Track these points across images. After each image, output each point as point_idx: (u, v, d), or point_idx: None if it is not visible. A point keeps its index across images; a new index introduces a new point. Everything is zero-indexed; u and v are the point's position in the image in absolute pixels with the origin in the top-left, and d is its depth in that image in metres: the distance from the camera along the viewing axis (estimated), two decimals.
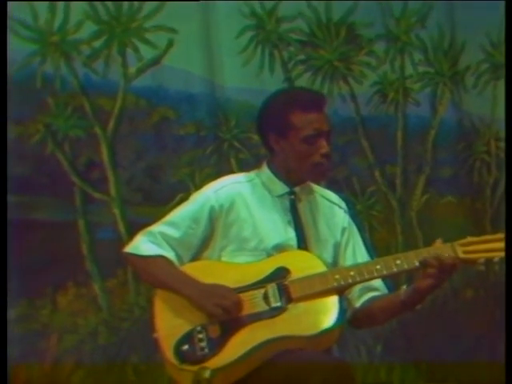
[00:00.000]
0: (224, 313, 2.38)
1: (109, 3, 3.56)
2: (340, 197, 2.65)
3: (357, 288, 2.49)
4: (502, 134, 4.11)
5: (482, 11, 4.01)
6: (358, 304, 2.52)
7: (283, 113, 2.50)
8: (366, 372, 3.73)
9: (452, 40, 4.08)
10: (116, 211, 3.57)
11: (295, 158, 2.50)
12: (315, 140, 2.48)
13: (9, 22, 2.90)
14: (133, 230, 2.62)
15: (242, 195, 2.53)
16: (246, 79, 3.74)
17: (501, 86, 4.09)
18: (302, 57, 3.88)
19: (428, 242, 2.45)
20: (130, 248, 2.53)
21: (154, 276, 2.50)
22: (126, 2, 3.58)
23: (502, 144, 4.11)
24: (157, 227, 2.51)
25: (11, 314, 3.28)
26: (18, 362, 3.28)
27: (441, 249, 2.39)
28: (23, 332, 3.33)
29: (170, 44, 3.62)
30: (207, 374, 2.19)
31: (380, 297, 2.51)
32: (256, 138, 3.58)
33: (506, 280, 2.51)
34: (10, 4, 3.00)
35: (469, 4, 4.01)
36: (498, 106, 4.11)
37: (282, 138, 2.51)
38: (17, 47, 3.38)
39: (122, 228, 3.54)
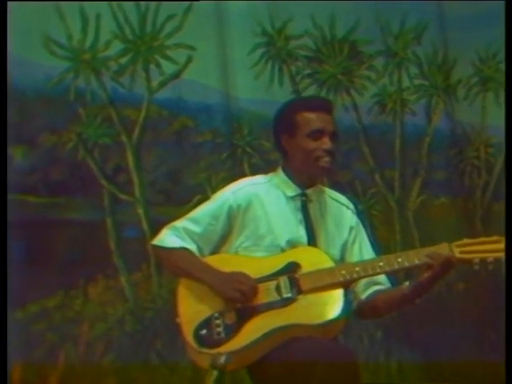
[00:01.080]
0: (242, 296, 2.38)
1: (134, 25, 3.59)
2: (348, 198, 2.63)
3: (362, 282, 2.49)
4: (491, 140, 4.15)
5: (472, 31, 4.04)
6: (363, 296, 2.51)
7: (291, 114, 2.52)
8: (367, 356, 3.73)
9: (445, 56, 4.09)
10: (140, 211, 3.59)
11: (301, 154, 2.49)
12: (319, 137, 2.47)
13: (9, 23, 2.79)
14: (155, 228, 2.63)
15: (258, 196, 2.52)
16: (257, 91, 3.76)
17: (489, 97, 4.13)
18: (308, 71, 3.89)
19: (424, 240, 2.50)
20: (156, 241, 2.53)
21: (177, 266, 2.50)
22: (149, 24, 3.60)
23: (491, 150, 4.14)
24: (180, 223, 2.51)
25: (50, 303, 3.34)
26: (56, 346, 3.34)
27: (439, 248, 2.39)
28: (60, 319, 3.38)
29: (189, 60, 3.64)
30: (222, 359, 2.19)
31: (384, 290, 2.50)
32: (267, 144, 3.66)
33: (506, 280, 2.46)
34: (9, 4, 2.93)
35: (460, 24, 4.02)
36: (487, 115, 4.14)
37: (291, 137, 2.51)
38: (53, 64, 3.44)
39: (145, 226, 3.56)
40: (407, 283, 2.44)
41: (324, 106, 2.53)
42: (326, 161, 2.47)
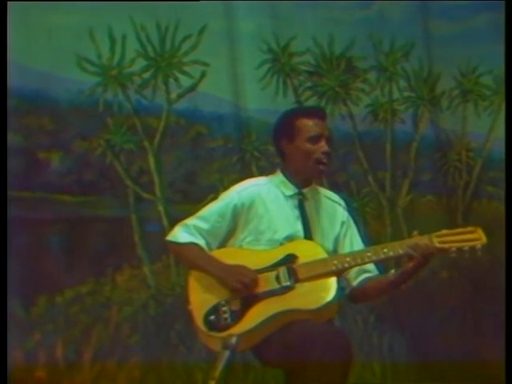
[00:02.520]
0: (243, 287, 2.38)
1: (155, 44, 3.61)
2: (341, 196, 2.63)
3: (354, 270, 2.49)
4: (471, 145, 4.15)
5: (453, 49, 4.06)
6: (355, 283, 2.51)
7: (291, 121, 2.52)
8: (361, 338, 3.74)
9: (430, 71, 4.09)
10: (161, 208, 3.61)
11: (301, 156, 2.49)
12: (317, 141, 2.48)
13: (9, 23, 2.74)
14: (174, 223, 2.63)
15: (260, 195, 2.52)
16: (264, 102, 3.78)
17: (469, 107, 4.14)
18: (309, 84, 3.91)
19: (411, 233, 2.43)
20: (170, 236, 2.54)
21: (187, 259, 2.51)
22: (168, 43, 3.62)
23: (471, 154, 4.15)
24: (191, 220, 2.52)
25: (83, 289, 3.39)
26: (89, 327, 3.37)
27: (420, 239, 2.39)
28: (92, 304, 3.42)
29: (204, 75, 3.67)
30: (234, 340, 2.15)
31: (373, 277, 2.50)
32: (272, 149, 3.56)
33: (506, 280, 2.48)
34: (9, 4, 2.87)
35: (443, 43, 4.04)
36: (467, 123, 4.15)
37: (290, 141, 2.50)
38: (84, 79, 3.50)
39: (165, 222, 3.59)
40: (393, 271, 2.45)
41: (319, 114, 2.55)
42: (323, 162, 2.49)
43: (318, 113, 2.56)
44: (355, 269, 2.49)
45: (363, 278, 2.51)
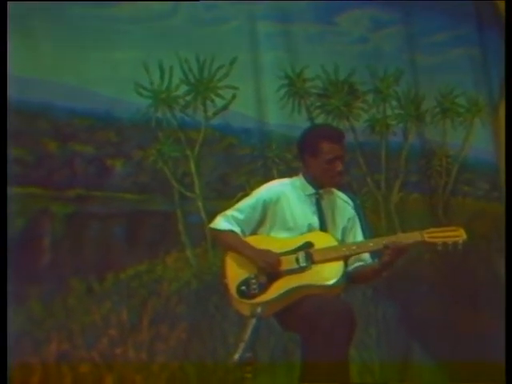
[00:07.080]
0: (269, 266, 2.49)
1: (195, 73, 3.65)
2: (349, 196, 2.70)
3: (351, 259, 2.57)
4: (449, 153, 4.19)
5: (435, 75, 4.11)
6: (349, 269, 2.58)
7: (316, 142, 2.59)
8: (359, 308, 3.73)
9: (416, 93, 4.09)
10: (200, 204, 3.61)
11: (321, 172, 2.59)
12: (334, 161, 2.57)
13: (9, 23, 2.59)
14: (210, 216, 2.73)
15: (284, 193, 2.60)
16: (282, 118, 3.76)
17: (448, 122, 4.18)
18: (319, 104, 3.88)
19: (402, 225, 2.53)
20: (212, 224, 2.64)
21: (226, 243, 2.62)
22: (206, 72, 3.65)
23: (450, 159, 4.18)
24: (230, 212, 2.62)
25: (141, 268, 3.42)
26: (145, 298, 3.40)
27: (411, 234, 2.48)
28: (147, 280, 3.46)
29: (234, 96, 3.66)
30: (259, 310, 2.25)
31: (363, 266, 2.58)
32: (289, 156, 3.63)
33: (506, 279, 2.52)
34: (9, 4, 2.69)
35: (427, 70, 4.09)
36: (446, 135, 4.18)
37: (313, 157, 2.59)
38: (140, 102, 3.52)
39: (203, 215, 3.59)
40: (377, 260, 2.53)
41: (339, 137, 2.62)
42: (338, 178, 2.61)
43: (338, 137, 2.62)
44: (352, 258, 2.57)
45: (356, 265, 2.58)
